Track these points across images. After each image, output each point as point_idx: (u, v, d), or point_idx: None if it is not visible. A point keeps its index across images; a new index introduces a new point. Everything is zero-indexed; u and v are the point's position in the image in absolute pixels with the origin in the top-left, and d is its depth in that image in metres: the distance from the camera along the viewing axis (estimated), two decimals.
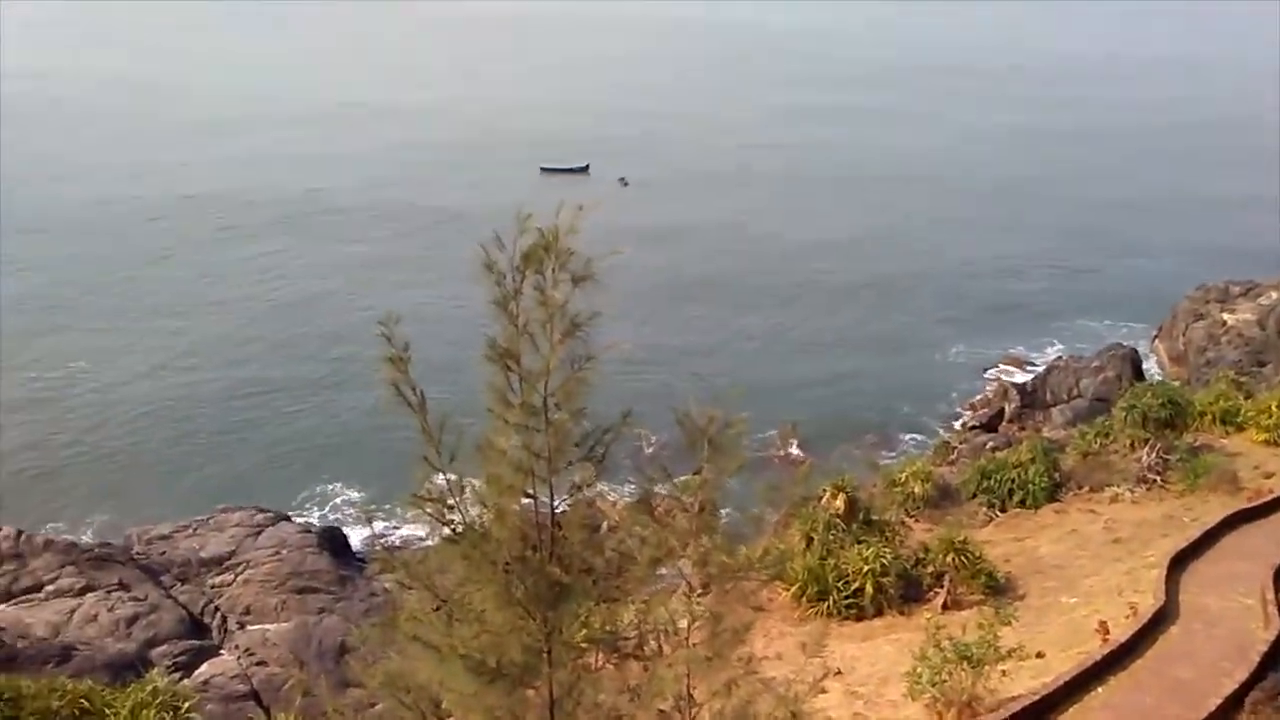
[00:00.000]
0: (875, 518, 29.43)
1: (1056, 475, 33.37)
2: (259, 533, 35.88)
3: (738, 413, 8.31)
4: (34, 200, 76.04)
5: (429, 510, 8.09)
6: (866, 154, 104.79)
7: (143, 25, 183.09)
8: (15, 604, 31.14)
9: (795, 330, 60.18)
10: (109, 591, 31.63)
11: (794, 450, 42.52)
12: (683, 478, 8.27)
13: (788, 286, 66.14)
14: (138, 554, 34.56)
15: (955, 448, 43.03)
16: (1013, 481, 32.86)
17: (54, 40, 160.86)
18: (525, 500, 7.89)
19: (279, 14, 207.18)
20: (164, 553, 34.83)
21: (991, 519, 32.20)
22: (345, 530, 38.32)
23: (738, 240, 75.18)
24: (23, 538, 32.96)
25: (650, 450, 7.68)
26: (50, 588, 31.78)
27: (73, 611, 30.71)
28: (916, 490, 32.72)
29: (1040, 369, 54.42)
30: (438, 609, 7.97)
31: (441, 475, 8.05)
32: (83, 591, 31.56)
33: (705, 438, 8.04)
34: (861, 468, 36.94)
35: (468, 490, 8.09)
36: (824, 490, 29.00)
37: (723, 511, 8.58)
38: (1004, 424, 48.77)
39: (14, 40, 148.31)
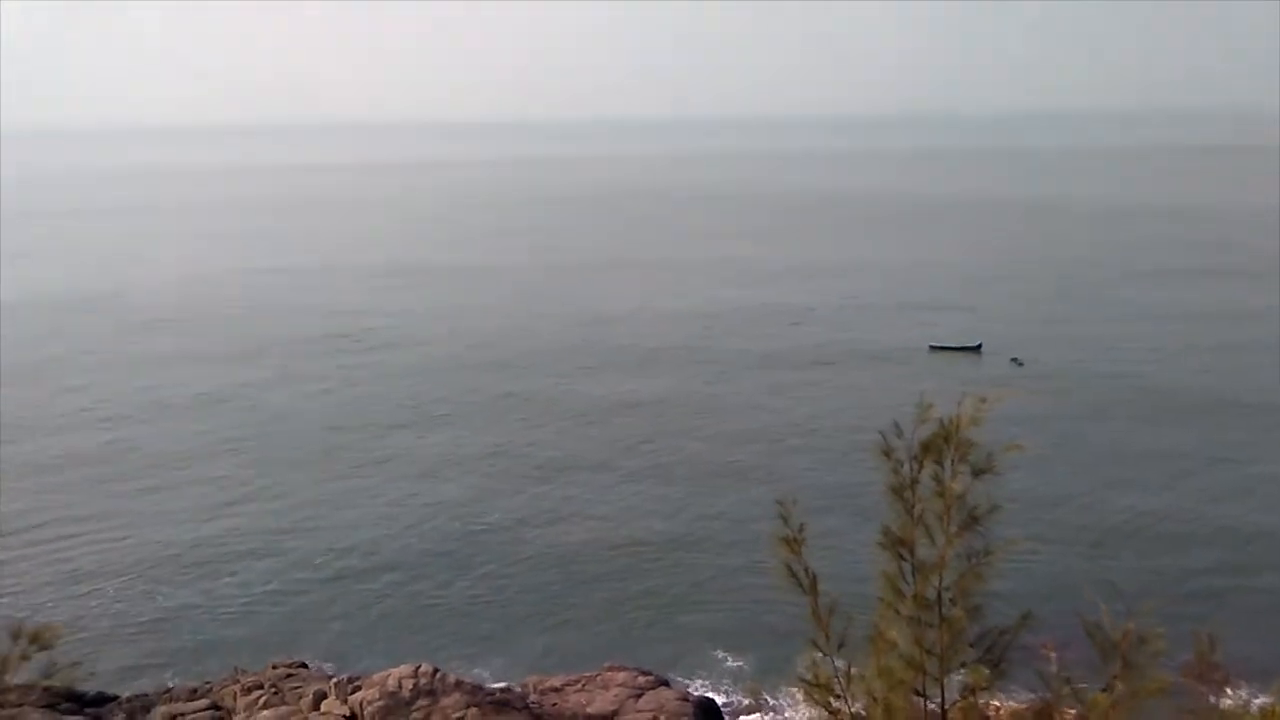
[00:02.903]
0: None
1: None
2: (640, 695, 36.85)
3: (1155, 625, 7.61)
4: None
5: (815, 696, 8.06)
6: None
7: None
8: None
9: (1219, 523, 53.58)
10: None
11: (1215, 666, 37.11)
12: (1090, 694, 7.63)
13: (1202, 483, 59.36)
14: (532, 702, 36.63)
15: None
16: None
17: None
18: (914, 698, 7.65)
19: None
20: (555, 704, 36.64)
21: None
22: (719, 701, 38.37)
23: (1146, 426, 69.00)
24: (438, 675, 36.15)
25: (1054, 662, 7.13)
26: None
27: None
28: None
29: None
30: None
31: (830, 660, 8.03)
32: None
33: (1118, 653, 7.42)
34: None
35: (855, 680, 7.99)
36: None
37: None
38: None
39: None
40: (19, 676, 7.17)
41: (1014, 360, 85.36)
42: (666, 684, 38.50)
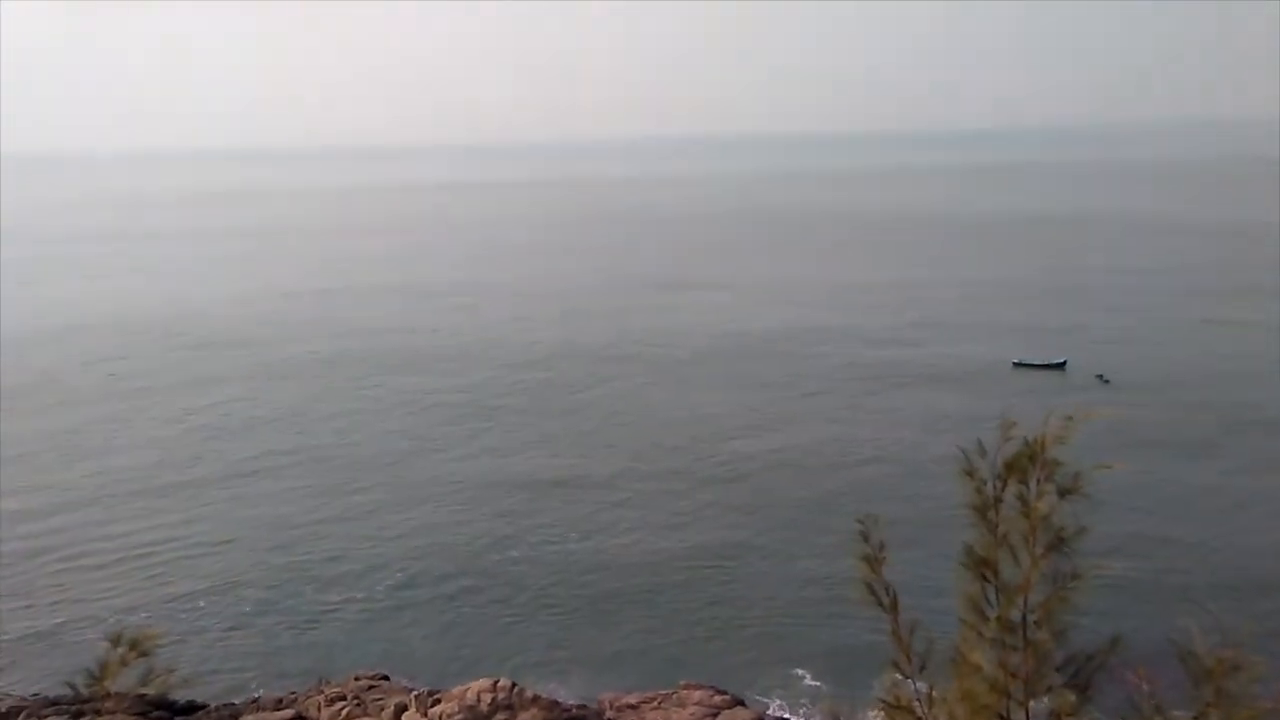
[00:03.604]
0: None
1: None
2: (716, 715, 36.57)
3: (1251, 653, 7.37)
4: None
5: (896, 718, 7.97)
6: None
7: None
8: None
9: None
10: None
11: None
12: None
13: None
14: (608, 719, 36.62)
15: None
16: None
17: None
18: None
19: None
20: None
21: None
22: None
23: (1235, 445, 66.66)
24: (515, 690, 36.36)
25: (1145, 689, 6.94)
26: None
27: None
28: None
29: None
30: None
31: (911, 682, 7.93)
32: None
33: (1211, 679, 7.19)
34: None
35: (938, 701, 7.88)
36: None
37: None
38: None
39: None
40: (118, 683, 7.42)
41: (1100, 378, 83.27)
42: (743, 703, 38.18)
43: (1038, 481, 7.38)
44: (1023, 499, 7.46)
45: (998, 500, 7.52)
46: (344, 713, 37.46)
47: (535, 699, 36.45)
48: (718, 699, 37.68)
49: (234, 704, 40.30)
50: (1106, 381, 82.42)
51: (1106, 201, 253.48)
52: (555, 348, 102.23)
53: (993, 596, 7.54)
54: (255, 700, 40.42)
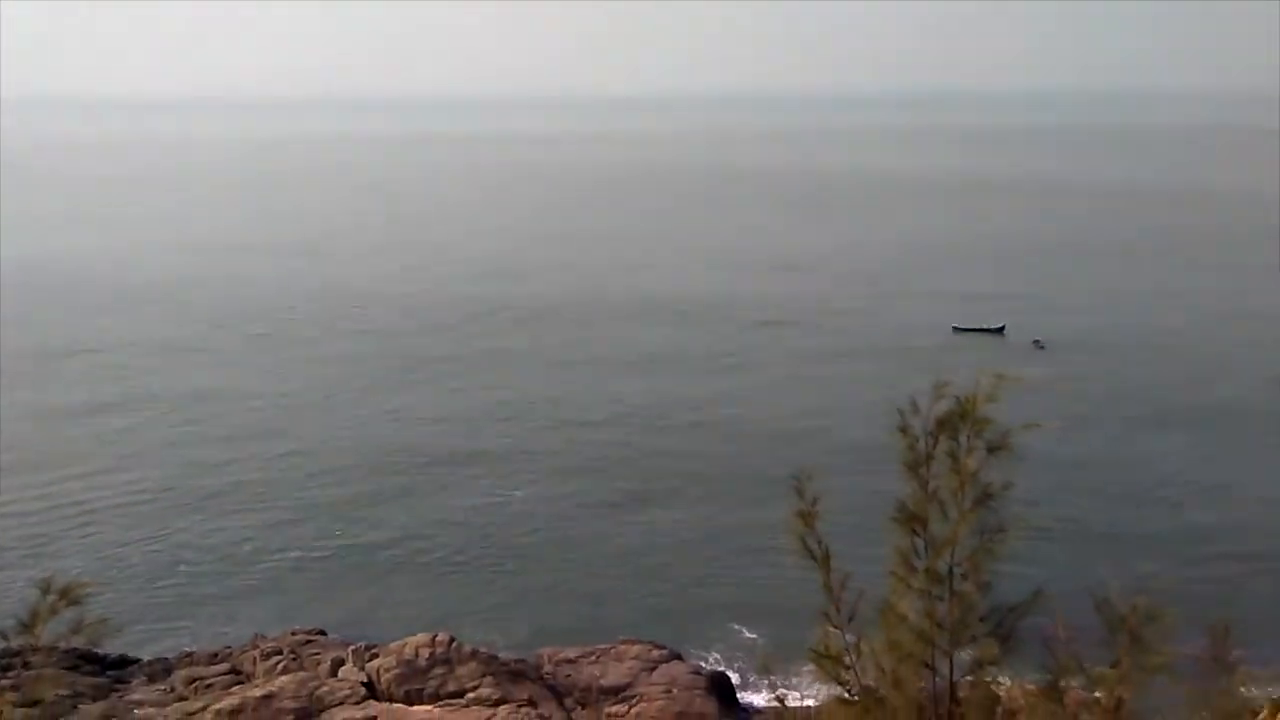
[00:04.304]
0: None
1: None
2: (654, 669, 37.16)
3: (1166, 604, 7.66)
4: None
5: (826, 668, 8.17)
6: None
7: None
8: (441, 705, 34.44)
9: (1234, 504, 53.35)
10: (519, 706, 34.08)
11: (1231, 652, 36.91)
12: (1096, 669, 7.69)
13: (1220, 467, 59.01)
14: (546, 673, 37.03)
15: None
16: None
17: None
18: (924, 670, 7.74)
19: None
20: (569, 675, 37.02)
21: None
22: (733, 676, 38.66)
23: (1165, 409, 68.64)
24: (454, 645, 36.58)
25: (1062, 634, 7.21)
26: (471, 695, 34.83)
27: None
28: None
29: None
30: None
31: (841, 633, 8.13)
32: (498, 703, 34.27)
33: (1125, 628, 7.47)
34: None
35: (866, 652, 8.09)
36: (1263, 707, 25.03)
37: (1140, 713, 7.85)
38: None
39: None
40: (47, 632, 7.35)
41: (1036, 342, 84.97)
42: (680, 658, 38.80)
43: (968, 439, 7.55)
44: (953, 455, 7.64)
45: (929, 457, 7.71)
46: (279, 667, 37.37)
47: (474, 653, 36.70)
48: (655, 653, 38.24)
49: (167, 659, 40.07)
50: (1042, 347, 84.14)
51: (1062, 165, 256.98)
52: (489, 306, 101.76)
53: (922, 549, 7.74)
54: (189, 654, 40.17)
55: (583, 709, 35.57)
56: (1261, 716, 24.93)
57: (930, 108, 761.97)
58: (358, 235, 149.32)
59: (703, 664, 39.64)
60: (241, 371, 79.88)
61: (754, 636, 41.65)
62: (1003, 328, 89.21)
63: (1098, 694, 7.73)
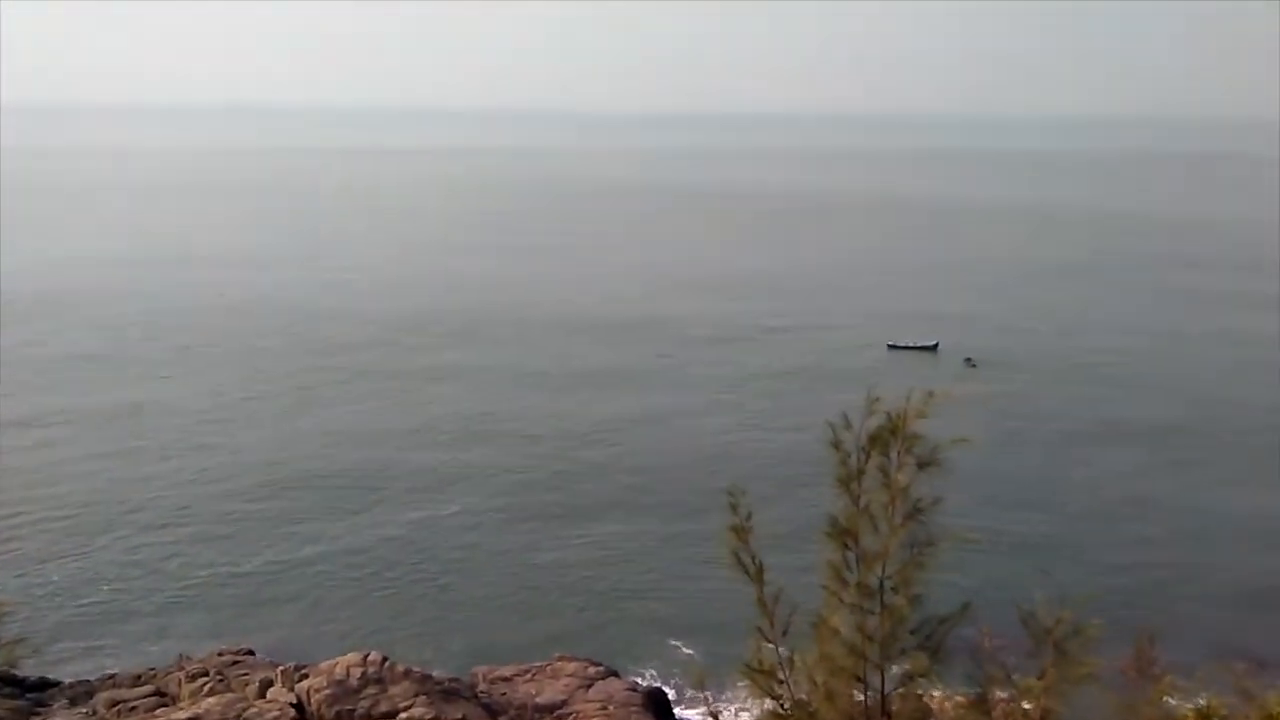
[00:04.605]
0: None
1: None
2: (590, 685, 36.93)
3: (1090, 618, 7.83)
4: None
5: (759, 682, 8.20)
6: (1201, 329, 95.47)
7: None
8: None
9: (1158, 520, 54.75)
10: None
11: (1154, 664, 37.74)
12: (1023, 681, 7.83)
13: (1145, 483, 60.56)
14: (481, 692, 36.59)
15: None
16: None
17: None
18: (856, 683, 7.81)
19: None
20: (504, 694, 36.64)
21: None
22: (669, 692, 38.59)
23: (1092, 425, 70.27)
24: (386, 664, 35.98)
25: (988, 646, 7.34)
26: (404, 715, 34.24)
27: None
28: None
29: None
30: None
31: (774, 647, 8.18)
32: None
33: (1051, 640, 7.62)
34: (1229, 693, 32.30)
35: (798, 667, 8.14)
36: (1186, 715, 25.60)
37: None
38: None
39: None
40: None
41: (968, 360, 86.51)
42: (616, 674, 38.62)
43: (898, 454, 7.65)
44: (884, 471, 7.74)
45: (861, 472, 7.79)
46: (206, 688, 36.49)
47: (407, 672, 36.15)
48: (591, 670, 38.03)
49: (89, 680, 38.93)
50: (974, 365, 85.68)
51: (1004, 190, 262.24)
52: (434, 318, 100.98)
53: (854, 563, 7.81)
54: (112, 676, 39.06)
55: None
56: None
57: (865, 131, 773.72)
58: (280, 248, 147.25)
59: (639, 680, 39.51)
60: (162, 385, 78.16)
61: (690, 652, 41.66)
62: (936, 345, 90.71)
63: (1025, 705, 7.86)
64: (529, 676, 37.82)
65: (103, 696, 36.82)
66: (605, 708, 35.53)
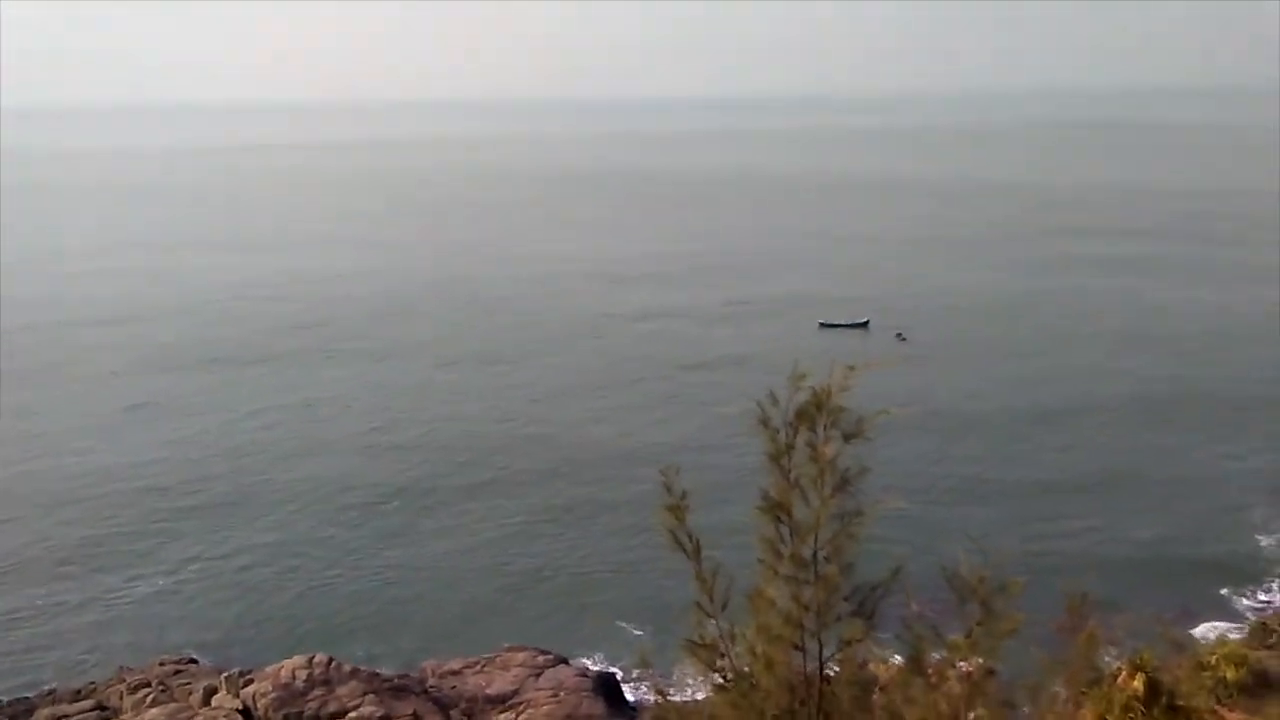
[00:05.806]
0: (1180, 703, 26.53)
1: None
2: (540, 674, 37.11)
3: (1013, 574, 8.13)
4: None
5: (700, 656, 8.40)
6: (1113, 301, 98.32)
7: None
8: None
9: (1079, 486, 56.39)
10: None
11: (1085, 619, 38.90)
12: (951, 639, 8.13)
13: (1067, 451, 62.26)
14: (431, 687, 36.59)
15: (1275, 630, 38.31)
16: None
17: None
18: (794, 652, 8.03)
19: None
20: (454, 687, 36.67)
21: None
22: (619, 675, 38.90)
23: (1017, 396, 72.00)
24: (333, 665, 35.80)
25: (916, 608, 7.60)
26: (353, 715, 34.13)
27: None
28: (1229, 676, 29.26)
29: None
30: None
31: (714, 622, 8.37)
32: None
33: (976, 598, 7.91)
34: (1159, 645, 33.54)
35: (739, 639, 8.34)
36: (1119, 668, 26.55)
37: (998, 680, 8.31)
38: None
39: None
40: None
41: (898, 335, 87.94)
42: (566, 661, 38.84)
43: (825, 428, 7.86)
44: (812, 445, 7.93)
45: (789, 447, 7.98)
46: (149, 700, 35.98)
47: (354, 672, 36.01)
48: (541, 659, 38.20)
49: (28, 698, 38.12)
50: (904, 339, 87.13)
51: (932, 165, 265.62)
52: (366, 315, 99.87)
53: (787, 536, 8.02)
54: (51, 692, 38.30)
55: (470, 719, 35.27)
56: (1121, 677, 26.43)
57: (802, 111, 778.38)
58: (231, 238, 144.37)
59: (589, 665, 39.77)
60: (81, 385, 76.32)
61: (640, 633, 41.98)
62: (867, 322, 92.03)
63: (960, 662, 8.15)
64: (478, 668, 37.87)
65: (43, 713, 36.17)
66: (556, 695, 35.76)
